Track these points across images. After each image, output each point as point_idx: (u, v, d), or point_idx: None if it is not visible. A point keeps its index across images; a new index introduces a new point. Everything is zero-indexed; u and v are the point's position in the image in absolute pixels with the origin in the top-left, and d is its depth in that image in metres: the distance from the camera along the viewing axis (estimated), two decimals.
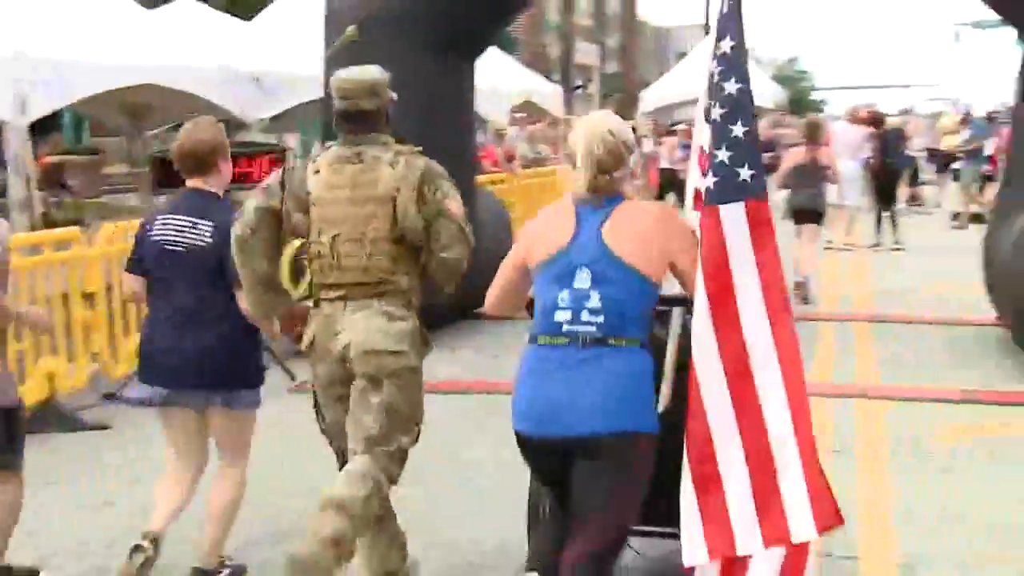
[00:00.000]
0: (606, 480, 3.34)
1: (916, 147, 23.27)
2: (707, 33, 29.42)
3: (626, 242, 3.41)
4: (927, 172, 22.52)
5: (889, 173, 15.73)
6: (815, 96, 64.10)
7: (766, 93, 27.11)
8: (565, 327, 3.40)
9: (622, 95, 30.80)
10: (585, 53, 39.46)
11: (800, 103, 41.73)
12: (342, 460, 4.07)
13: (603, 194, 3.48)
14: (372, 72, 4.01)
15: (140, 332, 4.51)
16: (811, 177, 10.75)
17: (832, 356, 8.84)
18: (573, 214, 3.51)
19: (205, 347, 4.23)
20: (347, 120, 4.01)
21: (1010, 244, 8.39)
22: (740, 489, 3.30)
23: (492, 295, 3.82)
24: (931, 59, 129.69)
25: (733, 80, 3.34)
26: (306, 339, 4.04)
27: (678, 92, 25.44)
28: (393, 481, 3.96)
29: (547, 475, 3.57)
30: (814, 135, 11.01)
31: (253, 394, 4.39)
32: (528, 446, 3.48)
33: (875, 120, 16.29)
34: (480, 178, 13.62)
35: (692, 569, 3.39)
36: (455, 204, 3.97)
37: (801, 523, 3.28)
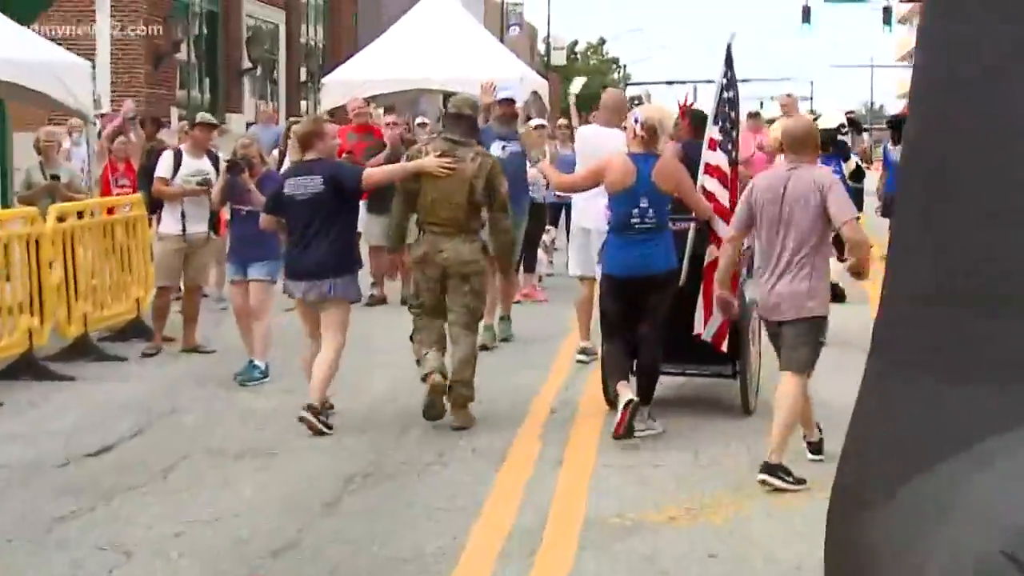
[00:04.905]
0: (661, 294, 7.19)
1: None
2: None
3: (662, 182, 7.09)
4: None
5: None
6: (631, 92, 56.33)
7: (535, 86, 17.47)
8: (636, 225, 7.09)
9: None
10: (259, 17, 29.34)
11: (596, 99, 33.35)
12: (437, 332, 7.43)
13: (652, 150, 7.24)
14: (472, 95, 8.36)
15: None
16: None
17: None
18: (633, 163, 7.12)
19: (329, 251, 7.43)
20: (450, 120, 7.69)
21: None
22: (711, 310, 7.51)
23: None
24: (779, 46, 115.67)
25: (733, 112, 7.75)
26: (416, 254, 7.48)
27: (368, 77, 16.61)
28: (476, 329, 7.75)
29: (623, 298, 7.17)
30: None
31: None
32: (615, 282, 7.20)
33: None
34: None
35: (699, 335, 7.53)
36: (505, 187, 7.50)
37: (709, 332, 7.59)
